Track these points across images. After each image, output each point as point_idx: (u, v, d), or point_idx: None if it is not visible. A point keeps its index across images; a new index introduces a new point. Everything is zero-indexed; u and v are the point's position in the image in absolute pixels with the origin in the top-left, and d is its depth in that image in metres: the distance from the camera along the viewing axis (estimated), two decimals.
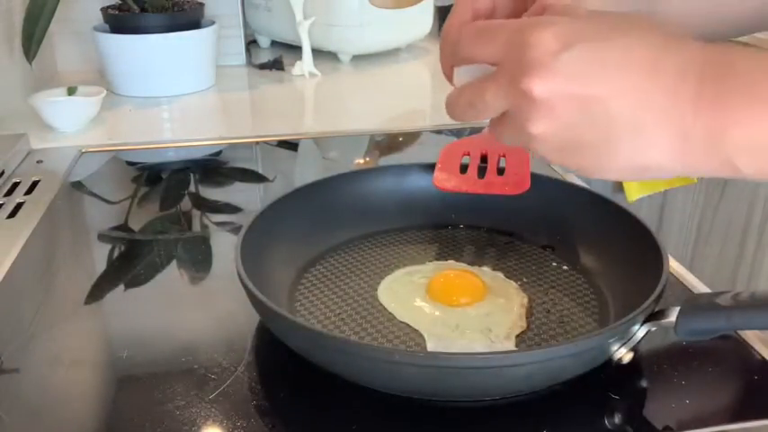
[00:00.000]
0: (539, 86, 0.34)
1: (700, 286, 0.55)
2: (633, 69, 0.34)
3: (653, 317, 0.44)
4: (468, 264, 0.58)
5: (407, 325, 0.49)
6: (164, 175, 0.84)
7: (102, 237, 0.67)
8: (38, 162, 0.83)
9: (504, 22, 0.37)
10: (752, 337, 0.48)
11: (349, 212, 0.62)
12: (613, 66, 0.34)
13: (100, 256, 0.64)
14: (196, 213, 0.73)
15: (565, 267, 0.57)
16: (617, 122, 0.34)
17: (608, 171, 0.36)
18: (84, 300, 0.55)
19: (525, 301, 0.52)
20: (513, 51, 0.35)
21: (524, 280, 0.55)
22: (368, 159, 0.88)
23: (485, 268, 0.57)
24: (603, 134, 0.35)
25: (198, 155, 0.90)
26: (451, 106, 0.40)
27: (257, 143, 0.93)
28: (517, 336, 0.48)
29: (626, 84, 0.34)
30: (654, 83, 0.34)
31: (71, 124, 0.94)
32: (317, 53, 1.26)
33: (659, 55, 0.34)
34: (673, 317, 0.43)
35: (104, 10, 1.10)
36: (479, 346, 0.47)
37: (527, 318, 0.50)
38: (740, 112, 0.33)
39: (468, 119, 0.39)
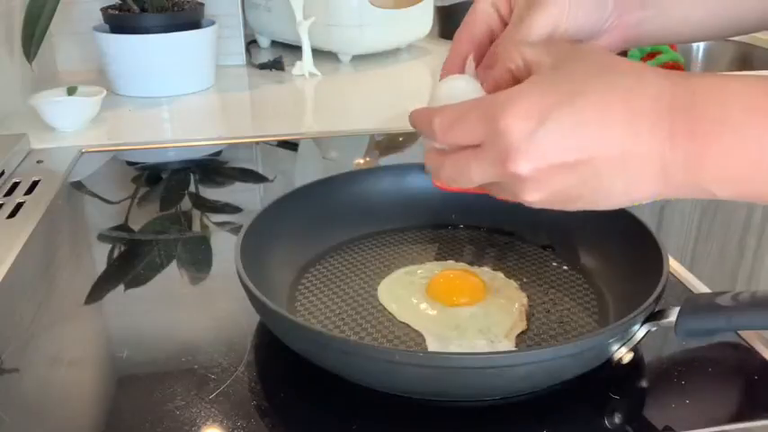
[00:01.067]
0: (522, 167, 0.35)
1: (700, 286, 0.55)
2: (612, 125, 0.35)
3: (653, 317, 0.44)
4: (468, 264, 0.58)
5: (407, 325, 0.49)
6: (164, 175, 0.84)
7: (102, 237, 0.67)
8: (38, 162, 0.83)
9: (471, 108, 0.37)
10: (752, 337, 0.48)
11: (349, 212, 0.62)
12: (592, 127, 0.35)
13: (100, 256, 0.64)
14: (196, 213, 0.73)
15: (565, 267, 0.57)
16: (606, 176, 0.36)
17: (604, 208, 0.38)
18: (84, 300, 0.55)
19: (525, 301, 0.52)
20: (488, 137, 0.36)
21: (524, 280, 0.55)
22: (368, 159, 0.88)
23: (485, 268, 0.57)
24: (595, 187, 0.36)
25: (198, 155, 0.90)
26: (435, 174, 0.41)
27: (257, 143, 0.93)
28: (517, 336, 0.48)
29: (607, 141, 0.35)
30: (633, 131, 0.35)
31: (71, 124, 0.94)
32: (317, 53, 1.26)
33: (632, 98, 0.35)
34: (673, 317, 0.43)
35: (104, 10, 1.10)
36: (479, 346, 0.47)
37: (527, 318, 0.50)
38: (712, 145, 0.34)
39: (453, 186, 0.40)
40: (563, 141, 0.35)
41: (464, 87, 0.43)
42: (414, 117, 0.41)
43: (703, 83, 0.35)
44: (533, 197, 0.37)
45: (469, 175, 0.38)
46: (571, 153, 0.35)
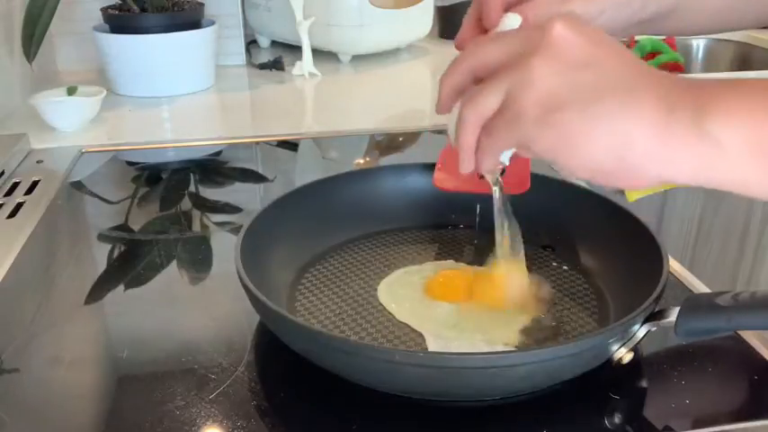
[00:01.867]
0: (557, 28, 0.37)
1: (700, 286, 0.55)
2: (619, 55, 0.37)
3: (653, 317, 0.44)
4: (468, 264, 0.58)
5: (407, 325, 0.49)
6: (164, 175, 0.84)
7: (102, 237, 0.67)
8: (38, 162, 0.83)
9: (509, 33, 0.41)
10: (752, 337, 0.48)
11: (349, 212, 0.62)
12: (606, 39, 0.37)
13: (100, 256, 0.64)
14: (196, 213, 0.73)
15: (565, 267, 0.57)
16: (607, 84, 0.36)
17: (591, 154, 0.36)
18: (84, 300, 0.55)
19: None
20: (520, 44, 0.39)
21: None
22: (368, 159, 0.88)
23: (485, 268, 0.57)
24: (592, 95, 0.36)
25: (198, 155, 0.90)
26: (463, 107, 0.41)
27: (257, 143, 0.93)
28: (517, 336, 0.48)
29: (620, 58, 0.37)
30: (642, 70, 0.37)
31: (71, 124, 0.94)
32: (317, 53, 1.26)
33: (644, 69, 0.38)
34: (673, 317, 0.43)
35: (104, 10, 1.10)
36: (479, 346, 0.47)
37: (527, 318, 0.50)
38: (721, 93, 0.35)
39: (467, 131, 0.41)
40: (584, 38, 0.37)
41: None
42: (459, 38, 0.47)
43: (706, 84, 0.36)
44: (537, 106, 0.36)
45: (483, 98, 0.39)
46: (588, 49, 0.37)
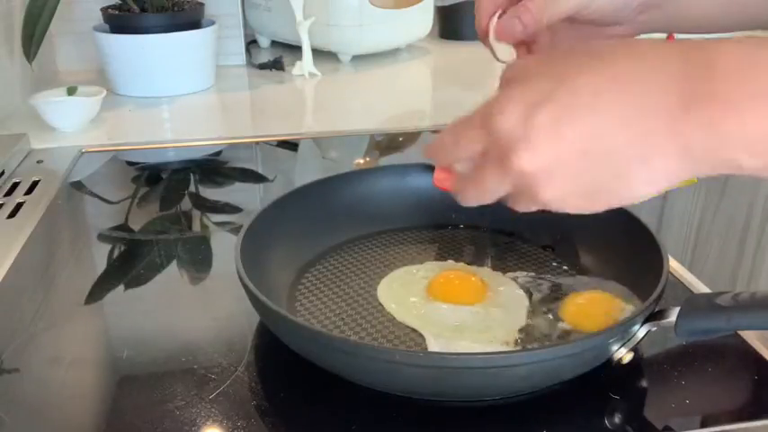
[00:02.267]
0: (526, 161, 0.34)
1: (700, 286, 0.55)
2: (606, 107, 0.33)
3: (653, 317, 0.44)
4: (468, 264, 0.58)
5: (407, 325, 0.49)
6: (164, 175, 0.84)
7: (102, 237, 0.67)
8: (38, 162, 0.83)
9: (469, 118, 0.38)
10: (752, 337, 0.48)
11: (349, 212, 0.62)
12: (585, 114, 0.34)
13: (100, 256, 0.64)
14: (196, 213, 0.73)
15: (565, 267, 0.57)
16: (618, 157, 0.34)
17: (632, 198, 0.36)
18: (84, 300, 0.55)
19: (525, 301, 0.52)
20: (489, 142, 0.36)
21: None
22: (368, 159, 0.88)
23: (485, 268, 0.57)
24: (611, 171, 0.34)
25: (198, 155, 0.90)
26: (463, 200, 0.41)
27: (257, 143, 0.93)
28: (517, 335, 0.48)
29: (607, 122, 0.33)
30: (633, 110, 0.33)
31: (71, 124, 0.94)
32: (317, 53, 1.26)
33: (631, 79, 0.33)
34: (673, 317, 0.43)
35: (104, 10, 1.10)
36: (479, 346, 0.47)
37: (527, 318, 0.50)
38: (734, 105, 0.31)
39: (478, 203, 0.40)
40: (559, 125, 0.34)
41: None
42: (427, 151, 0.42)
43: (723, 54, 0.32)
44: (549, 193, 0.35)
45: (487, 187, 0.38)
46: (570, 138, 0.34)
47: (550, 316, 0.50)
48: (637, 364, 0.45)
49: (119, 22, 1.09)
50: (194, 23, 1.12)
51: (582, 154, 0.34)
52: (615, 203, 0.36)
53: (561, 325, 0.49)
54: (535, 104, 0.34)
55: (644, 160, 0.34)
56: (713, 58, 0.32)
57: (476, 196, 0.39)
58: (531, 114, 0.34)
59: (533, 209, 0.38)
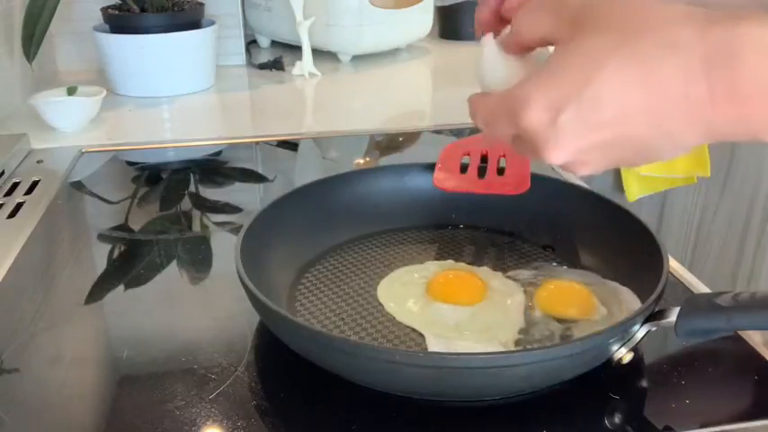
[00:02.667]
0: (559, 157, 0.36)
1: (700, 286, 0.55)
2: (633, 98, 0.34)
3: (653, 317, 0.44)
4: (468, 264, 0.58)
5: (407, 325, 0.49)
6: (164, 175, 0.84)
7: (102, 237, 0.67)
8: (38, 162, 0.83)
9: (497, 107, 0.38)
10: (752, 337, 0.48)
11: (349, 212, 0.62)
12: (612, 103, 0.34)
13: (100, 256, 0.64)
14: (196, 213, 0.73)
15: (565, 267, 0.57)
16: (645, 140, 0.35)
17: (655, 161, 0.37)
18: (84, 300, 0.55)
19: (525, 300, 0.52)
20: (520, 133, 0.37)
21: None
22: (368, 159, 0.88)
23: (485, 268, 0.57)
24: (639, 150, 0.36)
25: (198, 155, 0.90)
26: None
27: (257, 143, 0.93)
28: (517, 335, 0.48)
29: (632, 112, 0.34)
30: (659, 98, 0.33)
31: (71, 124, 0.94)
32: (317, 53, 1.26)
33: (653, 66, 0.33)
34: (673, 317, 0.43)
35: (104, 10, 1.10)
36: (479, 346, 0.47)
37: (527, 318, 0.50)
38: (757, 106, 0.32)
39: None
40: (586, 123, 0.34)
41: (491, 59, 0.43)
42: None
43: (748, 34, 0.32)
44: (584, 172, 0.37)
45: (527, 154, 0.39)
46: (599, 131, 0.35)
47: (538, 313, 0.50)
48: (637, 364, 0.45)
49: (119, 22, 1.09)
50: (194, 23, 1.12)
51: (608, 142, 0.35)
52: (642, 164, 0.38)
53: (561, 325, 0.49)
54: (560, 103, 0.35)
55: (669, 141, 0.35)
56: (737, 46, 0.32)
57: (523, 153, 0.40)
58: (557, 115, 0.35)
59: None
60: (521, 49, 0.41)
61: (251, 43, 1.42)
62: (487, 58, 0.42)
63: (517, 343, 0.47)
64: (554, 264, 0.57)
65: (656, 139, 0.35)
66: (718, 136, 0.34)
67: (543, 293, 0.52)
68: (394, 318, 0.50)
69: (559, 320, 0.49)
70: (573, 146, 0.35)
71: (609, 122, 0.34)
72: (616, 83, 0.34)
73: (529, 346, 0.47)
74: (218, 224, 0.71)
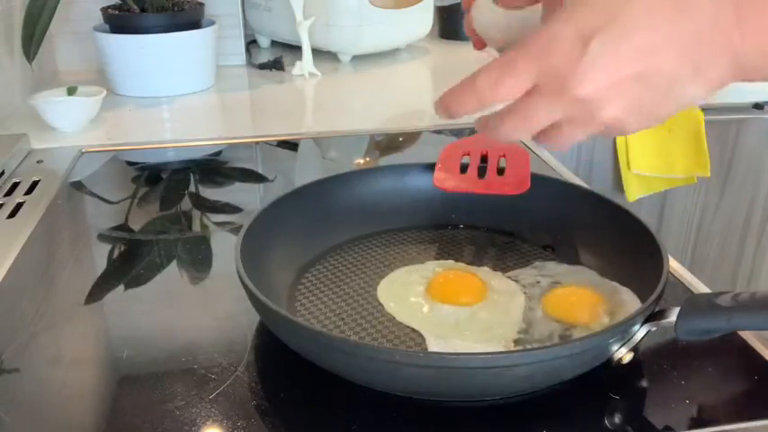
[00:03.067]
0: (589, 88, 0.35)
1: (700, 286, 0.55)
2: (662, 25, 0.34)
3: (653, 317, 0.44)
4: (468, 264, 0.58)
5: (407, 325, 0.49)
6: (164, 175, 0.84)
7: (102, 237, 0.67)
8: (38, 162, 0.83)
9: (514, 57, 0.37)
10: (752, 337, 0.48)
11: (349, 212, 0.62)
12: (643, 30, 0.34)
13: (100, 256, 0.64)
14: (196, 213, 0.73)
15: (565, 265, 0.57)
16: (673, 73, 0.35)
17: (684, 107, 0.37)
18: (84, 300, 0.55)
19: (525, 300, 0.52)
20: (542, 77, 0.36)
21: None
22: (368, 159, 0.88)
23: (485, 268, 0.57)
24: (666, 87, 0.35)
25: (198, 155, 0.90)
26: (496, 134, 0.39)
27: (257, 143, 0.93)
28: (517, 335, 0.48)
29: (661, 41, 0.34)
30: (689, 26, 0.34)
31: (71, 124, 0.94)
32: (317, 53, 1.26)
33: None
34: (673, 317, 0.43)
35: (104, 10, 1.10)
36: (479, 346, 0.47)
37: (527, 318, 0.50)
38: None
39: (515, 138, 0.39)
40: (616, 51, 0.34)
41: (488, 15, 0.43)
42: (447, 100, 0.39)
43: None
44: (609, 112, 0.36)
45: (537, 118, 0.37)
46: (629, 62, 0.35)
47: (542, 313, 0.50)
48: (637, 364, 0.45)
49: (119, 22, 1.09)
50: (194, 23, 1.12)
51: (638, 76, 0.35)
52: (668, 117, 0.37)
53: (561, 325, 0.49)
54: (590, 33, 0.34)
55: (697, 73, 0.35)
56: None
57: (518, 128, 0.38)
58: (586, 44, 0.34)
59: (583, 136, 0.38)
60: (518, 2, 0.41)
61: (251, 43, 1.42)
62: (484, 14, 0.42)
63: (517, 343, 0.47)
64: (554, 263, 0.57)
65: (684, 70, 0.35)
66: (745, 70, 0.35)
67: (552, 298, 0.51)
68: (394, 318, 0.50)
69: (560, 321, 0.49)
70: (603, 78, 0.35)
71: (639, 52, 0.34)
72: (646, 10, 0.34)
73: (529, 346, 0.47)
74: (218, 224, 0.71)
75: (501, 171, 0.62)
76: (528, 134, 0.39)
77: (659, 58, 0.34)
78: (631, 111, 0.36)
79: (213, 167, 0.88)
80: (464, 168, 0.63)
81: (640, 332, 0.44)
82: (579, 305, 0.50)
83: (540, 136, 0.39)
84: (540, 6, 0.45)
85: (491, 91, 0.37)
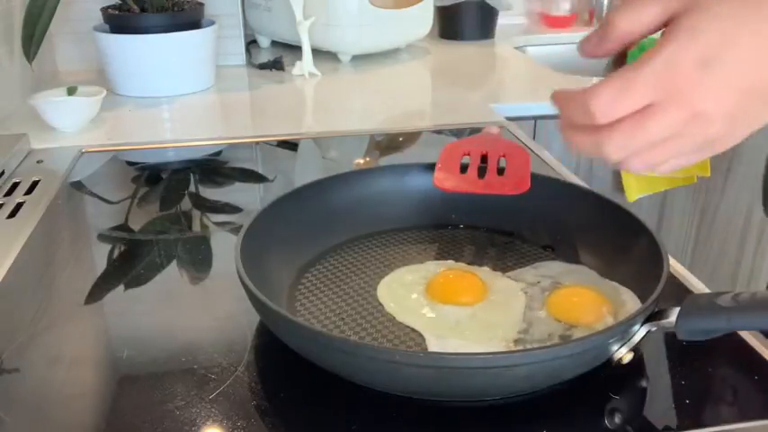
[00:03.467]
0: (710, 101, 0.37)
1: (700, 286, 0.55)
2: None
3: (653, 317, 0.44)
4: (468, 264, 0.58)
5: (407, 325, 0.49)
6: (164, 175, 0.84)
7: (102, 237, 0.67)
8: (38, 162, 0.83)
9: (635, 76, 0.38)
10: (752, 337, 0.48)
11: (349, 212, 0.62)
12: (752, 54, 0.37)
13: (100, 256, 0.64)
14: (196, 213, 0.73)
15: (565, 265, 0.57)
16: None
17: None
18: (84, 300, 0.55)
19: (525, 300, 0.52)
20: (663, 95, 0.38)
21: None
22: (368, 159, 0.88)
23: (485, 268, 0.57)
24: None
25: (198, 155, 0.90)
26: (596, 151, 0.41)
27: (257, 143, 0.93)
28: (517, 335, 0.48)
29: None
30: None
31: (71, 124, 0.94)
32: (317, 53, 1.26)
33: None
34: (673, 317, 0.43)
35: (104, 10, 1.10)
36: (479, 346, 0.47)
37: (527, 317, 0.50)
38: None
39: (619, 158, 0.41)
40: (733, 72, 0.37)
41: None
42: (561, 100, 0.41)
43: None
44: (721, 125, 0.38)
45: (648, 135, 0.39)
46: (744, 78, 0.37)
47: (543, 313, 0.50)
48: (637, 364, 0.45)
49: (119, 22, 1.09)
50: (194, 23, 1.12)
51: (749, 89, 0.37)
52: (763, 125, 0.40)
53: (561, 325, 0.49)
54: (711, 55, 0.37)
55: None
56: None
57: (625, 145, 0.39)
58: (707, 65, 0.37)
59: (683, 157, 0.40)
60: (618, 46, 0.43)
61: (251, 43, 1.42)
62: None
63: (517, 343, 0.47)
64: (554, 263, 0.57)
65: None
66: None
67: (556, 299, 0.51)
68: (394, 318, 0.50)
69: (564, 322, 0.49)
70: (723, 93, 0.37)
71: (751, 68, 0.37)
72: (755, 40, 0.37)
73: (529, 346, 0.47)
74: (218, 224, 0.71)
75: (501, 171, 0.62)
76: (634, 151, 0.40)
77: (765, 80, 0.37)
78: (737, 120, 0.38)
79: (213, 167, 0.88)
80: (464, 168, 0.63)
81: (640, 332, 0.44)
82: (584, 306, 0.50)
83: (645, 155, 0.40)
84: None
85: (609, 110, 0.39)
